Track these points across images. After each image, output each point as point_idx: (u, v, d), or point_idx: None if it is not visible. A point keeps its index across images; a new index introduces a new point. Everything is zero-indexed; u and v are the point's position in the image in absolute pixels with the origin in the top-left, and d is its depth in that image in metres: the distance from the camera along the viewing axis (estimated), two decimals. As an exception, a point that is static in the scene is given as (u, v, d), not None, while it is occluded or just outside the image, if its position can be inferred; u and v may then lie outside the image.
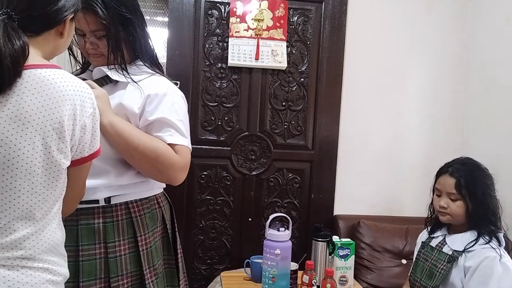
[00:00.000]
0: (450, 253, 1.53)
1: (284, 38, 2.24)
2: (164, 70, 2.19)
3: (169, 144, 1.15)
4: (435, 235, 1.65)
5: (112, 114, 1.10)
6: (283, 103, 2.28)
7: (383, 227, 2.24)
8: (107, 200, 1.14)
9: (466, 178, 1.50)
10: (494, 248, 1.43)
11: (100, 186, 1.12)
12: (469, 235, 1.51)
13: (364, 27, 2.34)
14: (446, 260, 1.52)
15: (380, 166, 2.39)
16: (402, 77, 2.38)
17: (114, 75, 1.18)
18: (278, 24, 2.23)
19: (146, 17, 2.52)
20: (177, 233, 1.31)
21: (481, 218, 1.49)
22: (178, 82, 2.15)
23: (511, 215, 2.03)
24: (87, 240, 1.11)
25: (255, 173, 2.28)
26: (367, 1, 2.34)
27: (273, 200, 2.31)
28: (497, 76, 2.17)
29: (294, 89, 2.29)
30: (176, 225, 1.32)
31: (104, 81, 1.19)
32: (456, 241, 1.54)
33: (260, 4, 2.22)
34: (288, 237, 1.66)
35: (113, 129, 1.08)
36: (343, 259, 1.78)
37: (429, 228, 1.70)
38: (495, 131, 2.16)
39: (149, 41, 1.27)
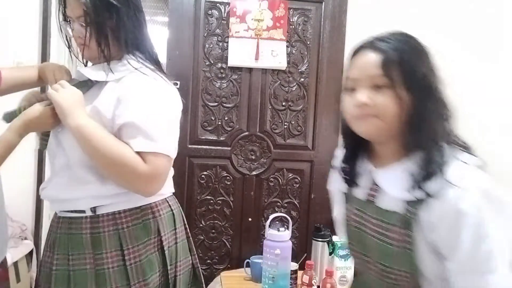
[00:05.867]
0: (397, 209, 0.85)
1: (284, 38, 2.24)
2: (164, 70, 2.20)
3: (137, 152, 1.02)
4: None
5: (81, 117, 1.02)
6: (283, 103, 2.28)
7: (383, 227, 2.24)
8: (93, 210, 1.08)
9: (400, 51, 0.85)
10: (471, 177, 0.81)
11: (83, 196, 1.06)
12: (418, 161, 0.83)
13: (364, 27, 2.33)
14: (399, 224, 0.84)
15: (380, 166, 2.39)
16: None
17: (90, 73, 1.10)
18: (278, 24, 2.23)
19: (146, 17, 2.53)
20: (177, 244, 1.18)
21: (431, 119, 0.83)
22: (178, 82, 2.15)
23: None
24: (77, 250, 1.07)
25: (255, 173, 2.28)
26: (367, 1, 2.34)
27: (273, 200, 2.31)
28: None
29: (294, 89, 2.29)
30: (177, 236, 1.19)
31: (91, 82, 1.11)
32: (394, 180, 0.87)
33: (260, 4, 2.22)
34: (288, 237, 1.66)
35: (79, 134, 1.01)
36: (343, 259, 1.79)
37: (342, 163, 0.99)
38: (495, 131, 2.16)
39: (145, 34, 1.16)
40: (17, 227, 1.95)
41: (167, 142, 1.06)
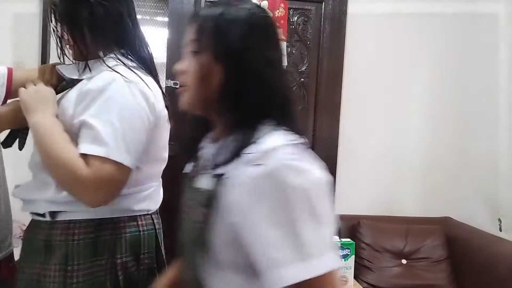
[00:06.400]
0: (206, 186, 0.77)
1: (284, 38, 2.24)
2: (164, 70, 2.20)
3: (84, 156, 0.89)
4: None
5: (40, 114, 0.96)
6: (283, 103, 2.28)
7: (383, 227, 2.24)
8: (52, 215, 0.98)
9: (218, 18, 0.77)
10: (276, 149, 0.70)
11: (41, 199, 0.98)
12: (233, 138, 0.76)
13: (364, 27, 2.34)
14: (203, 203, 0.76)
15: (380, 166, 2.39)
16: (403, 77, 2.38)
17: (65, 71, 1.04)
18: (278, 24, 2.23)
19: (146, 17, 2.53)
20: (139, 272, 1.02)
21: (243, 95, 0.76)
22: (178, 82, 2.14)
23: (511, 215, 2.03)
24: (30, 257, 0.99)
25: (255, 173, 2.27)
26: (367, 1, 2.34)
27: (273, 200, 2.31)
28: (498, 77, 2.17)
29: (294, 89, 2.28)
30: (141, 262, 1.03)
31: (72, 81, 1.04)
32: (209, 157, 0.82)
33: (260, 4, 2.22)
34: (288, 237, 1.66)
35: (34, 131, 0.95)
36: (343, 259, 1.78)
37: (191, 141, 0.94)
38: (496, 131, 2.16)
39: (127, 29, 1.04)
40: (17, 227, 1.95)
41: (120, 148, 0.91)
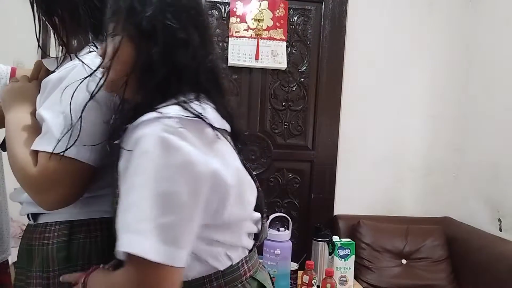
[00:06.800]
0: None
1: (284, 38, 2.24)
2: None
3: (32, 152, 0.83)
4: None
5: (11, 111, 0.91)
6: (283, 103, 2.28)
7: (383, 227, 2.24)
8: (33, 217, 0.91)
9: (133, 1, 0.77)
10: (157, 118, 0.69)
11: (22, 200, 0.92)
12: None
13: (364, 27, 2.34)
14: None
15: (380, 166, 2.39)
16: (403, 77, 2.38)
17: (48, 64, 1.00)
18: (278, 24, 2.23)
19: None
20: None
21: (152, 70, 0.75)
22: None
23: (511, 215, 2.03)
24: (18, 263, 0.94)
25: (255, 173, 2.26)
26: (367, 1, 2.34)
27: (273, 200, 2.31)
28: (498, 76, 2.17)
29: (294, 89, 2.29)
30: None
31: None
32: None
33: (260, 4, 2.22)
34: (288, 237, 1.66)
35: (5, 128, 0.91)
36: (343, 259, 1.78)
37: None
38: (496, 131, 2.16)
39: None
40: (17, 227, 1.96)
41: (71, 140, 0.81)
